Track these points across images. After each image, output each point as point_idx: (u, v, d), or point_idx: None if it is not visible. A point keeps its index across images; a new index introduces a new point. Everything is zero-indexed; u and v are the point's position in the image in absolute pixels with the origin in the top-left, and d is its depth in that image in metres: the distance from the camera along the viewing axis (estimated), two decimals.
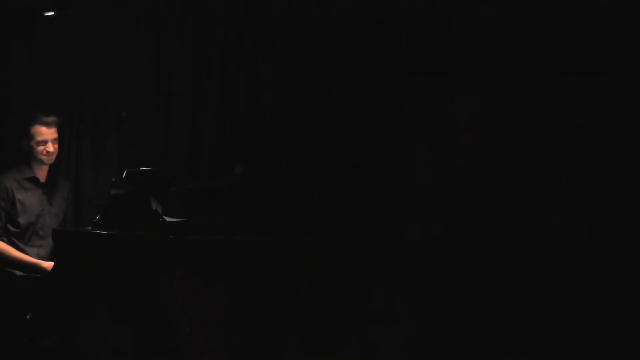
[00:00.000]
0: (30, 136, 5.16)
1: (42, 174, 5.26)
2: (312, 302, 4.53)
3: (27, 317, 4.89)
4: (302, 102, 5.64)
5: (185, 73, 5.76)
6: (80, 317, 4.57)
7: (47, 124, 5.18)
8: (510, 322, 5.18)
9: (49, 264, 5.04)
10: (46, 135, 5.18)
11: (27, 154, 5.22)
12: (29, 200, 5.20)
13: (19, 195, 5.16)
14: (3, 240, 5.13)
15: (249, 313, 4.74)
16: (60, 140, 5.84)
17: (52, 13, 5.51)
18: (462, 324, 4.38)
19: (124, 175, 4.67)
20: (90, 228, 4.65)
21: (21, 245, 5.17)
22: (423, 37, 5.28)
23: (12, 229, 5.16)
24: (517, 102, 5.24)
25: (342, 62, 5.51)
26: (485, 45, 5.22)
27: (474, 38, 5.22)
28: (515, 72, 5.24)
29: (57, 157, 5.31)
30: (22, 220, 5.17)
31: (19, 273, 5.09)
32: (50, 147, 5.19)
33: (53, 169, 5.35)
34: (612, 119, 5.11)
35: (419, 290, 4.35)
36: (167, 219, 4.65)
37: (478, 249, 4.47)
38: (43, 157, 5.19)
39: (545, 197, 5.30)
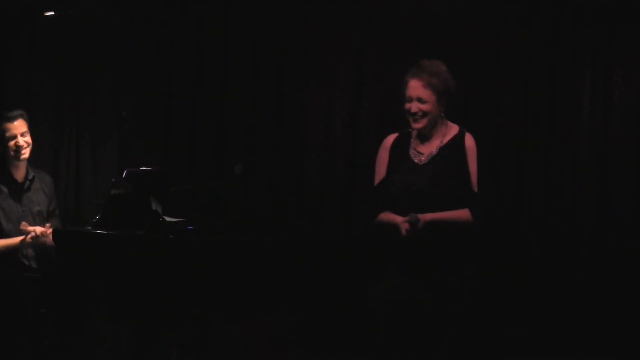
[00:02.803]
0: (0, 136, 5.11)
1: (19, 174, 5.19)
2: (312, 301, 4.54)
3: (27, 316, 4.89)
4: (302, 101, 5.65)
5: (185, 73, 5.76)
6: (81, 317, 4.57)
7: (10, 119, 5.09)
8: (509, 323, 5.18)
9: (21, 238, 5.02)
10: (13, 130, 5.08)
11: (3, 156, 5.15)
12: (9, 204, 5.12)
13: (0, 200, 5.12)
14: None
15: (249, 313, 4.75)
16: (60, 140, 5.84)
17: (52, 13, 5.50)
18: (462, 322, 4.38)
19: (124, 175, 4.67)
20: (90, 228, 4.65)
21: None
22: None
23: None
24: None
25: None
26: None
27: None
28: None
29: (32, 151, 5.18)
30: (5, 224, 5.10)
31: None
32: (21, 141, 5.11)
33: (30, 166, 5.24)
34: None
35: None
36: (167, 219, 4.65)
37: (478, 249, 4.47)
38: (17, 155, 5.11)
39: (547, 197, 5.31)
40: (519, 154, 5.34)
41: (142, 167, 5.04)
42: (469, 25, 5.39)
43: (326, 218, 5.48)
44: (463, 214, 4.34)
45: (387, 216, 4.42)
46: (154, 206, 4.65)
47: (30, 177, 5.21)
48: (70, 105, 5.88)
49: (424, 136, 4.48)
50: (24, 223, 5.03)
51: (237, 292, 4.42)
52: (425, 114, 4.40)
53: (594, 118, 5.23)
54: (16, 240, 5.05)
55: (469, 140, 4.46)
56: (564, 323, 5.11)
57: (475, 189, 4.39)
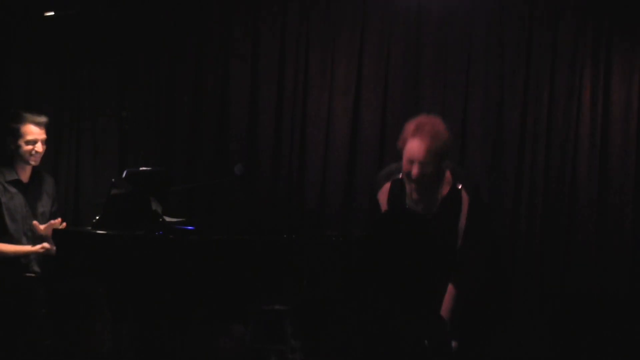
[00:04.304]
0: (19, 135, 5.09)
1: (25, 174, 5.18)
2: (312, 301, 4.54)
3: (27, 317, 4.89)
4: (302, 101, 5.65)
5: (185, 73, 5.76)
6: (81, 317, 4.57)
7: (38, 124, 5.10)
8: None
9: (37, 247, 5.02)
10: (36, 135, 5.09)
11: (12, 155, 5.15)
12: (14, 204, 5.12)
13: (4, 199, 5.10)
14: None
15: (249, 313, 4.75)
16: (60, 140, 5.84)
17: (52, 13, 5.50)
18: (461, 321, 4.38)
19: (124, 175, 4.67)
20: (90, 228, 4.65)
21: None
22: None
23: (0, 234, 5.11)
24: None
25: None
26: None
27: None
28: None
29: (42, 158, 5.24)
30: (9, 224, 5.10)
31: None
32: (39, 148, 5.12)
33: (35, 167, 5.23)
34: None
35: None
36: (167, 219, 4.65)
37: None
38: (30, 158, 5.11)
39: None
40: (518, 154, 5.36)
41: (142, 167, 5.03)
42: (469, 25, 5.40)
43: (326, 218, 5.49)
44: (452, 294, 4.31)
45: None
46: (154, 206, 4.65)
47: (35, 178, 5.22)
48: (70, 104, 5.88)
49: (421, 191, 4.41)
50: (35, 222, 5.03)
51: (238, 291, 4.42)
52: (425, 175, 4.32)
53: (594, 117, 5.25)
54: (26, 248, 5.05)
55: (465, 198, 4.38)
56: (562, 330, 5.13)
57: (460, 243, 4.35)
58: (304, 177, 5.61)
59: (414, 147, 4.30)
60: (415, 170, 4.30)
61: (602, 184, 5.23)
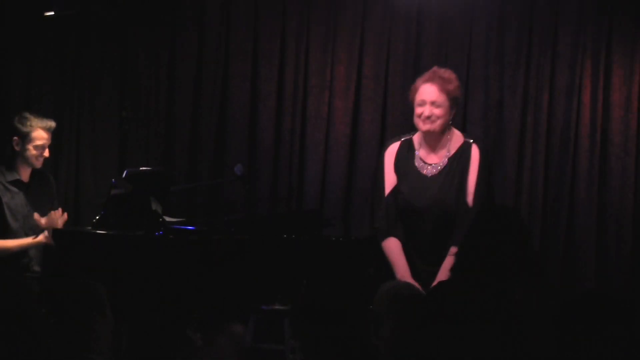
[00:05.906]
0: (28, 139, 5.09)
1: (25, 174, 5.18)
2: (312, 301, 4.54)
3: (27, 316, 4.88)
4: (301, 101, 5.65)
5: (185, 73, 5.76)
6: (81, 317, 4.57)
7: (48, 130, 5.12)
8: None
9: (40, 237, 5.01)
10: (45, 140, 5.11)
11: (14, 155, 5.14)
12: (15, 203, 5.11)
13: (5, 199, 5.10)
14: None
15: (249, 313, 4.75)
16: (60, 140, 5.84)
17: (52, 13, 5.50)
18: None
19: (124, 175, 4.67)
20: (90, 228, 4.65)
21: None
22: None
23: (2, 233, 5.10)
24: None
25: None
26: None
27: None
28: None
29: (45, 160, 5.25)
30: (11, 223, 5.10)
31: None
32: (47, 153, 5.14)
33: (35, 168, 5.23)
34: None
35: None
36: (167, 219, 4.65)
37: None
38: (36, 162, 5.12)
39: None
40: (518, 154, 5.36)
41: (142, 167, 5.03)
42: (469, 25, 5.41)
43: (326, 218, 5.49)
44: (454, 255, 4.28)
45: (398, 262, 4.40)
46: (154, 206, 4.65)
47: (36, 177, 5.23)
48: (70, 105, 5.88)
49: (431, 145, 4.42)
50: (36, 215, 5.03)
51: (237, 291, 4.42)
52: (438, 117, 4.34)
53: (594, 117, 5.25)
54: (28, 241, 5.06)
55: (475, 152, 4.39)
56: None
57: (471, 202, 4.35)
58: (304, 177, 5.61)
59: (425, 89, 4.37)
60: (427, 112, 4.33)
61: (602, 184, 5.24)
